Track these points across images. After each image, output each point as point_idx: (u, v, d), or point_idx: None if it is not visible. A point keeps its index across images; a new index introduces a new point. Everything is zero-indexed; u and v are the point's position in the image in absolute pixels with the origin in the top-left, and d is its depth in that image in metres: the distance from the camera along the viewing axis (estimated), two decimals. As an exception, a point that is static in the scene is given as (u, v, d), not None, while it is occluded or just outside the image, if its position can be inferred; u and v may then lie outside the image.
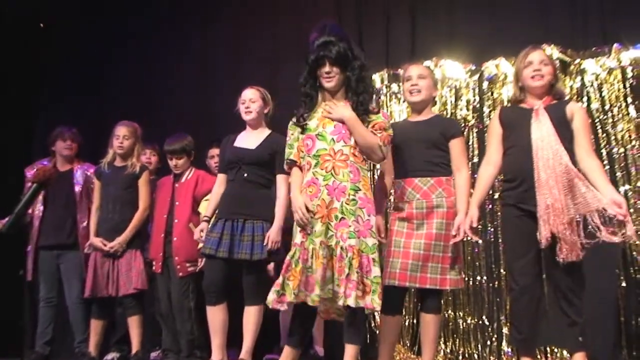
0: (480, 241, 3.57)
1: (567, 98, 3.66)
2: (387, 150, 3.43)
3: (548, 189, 3.25)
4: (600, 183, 3.26)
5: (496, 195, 4.79)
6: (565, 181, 3.24)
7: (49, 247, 4.98)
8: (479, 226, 4.92)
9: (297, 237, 3.25)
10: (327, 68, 3.32)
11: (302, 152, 3.37)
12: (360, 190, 3.26)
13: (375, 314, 5.04)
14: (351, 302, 3.10)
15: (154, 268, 4.80)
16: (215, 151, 4.94)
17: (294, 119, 3.44)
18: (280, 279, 3.22)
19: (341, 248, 3.17)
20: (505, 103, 4.90)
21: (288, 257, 3.26)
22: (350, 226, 3.19)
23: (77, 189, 5.04)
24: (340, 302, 3.13)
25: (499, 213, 4.80)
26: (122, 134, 4.77)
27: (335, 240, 3.19)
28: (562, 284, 3.33)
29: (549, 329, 3.44)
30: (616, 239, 3.18)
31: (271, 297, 3.24)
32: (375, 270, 3.20)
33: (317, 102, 3.41)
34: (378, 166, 5.18)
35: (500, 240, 4.83)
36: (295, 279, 3.16)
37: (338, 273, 3.14)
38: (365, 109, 3.32)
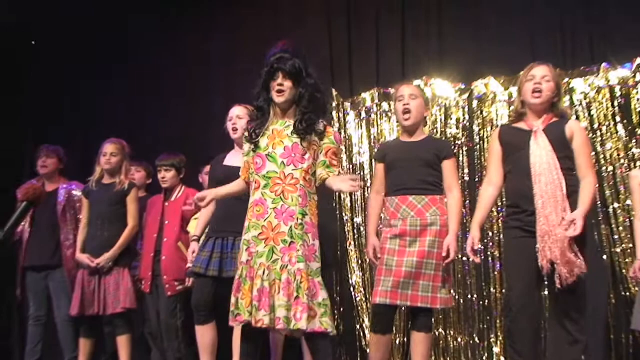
0: (478, 261, 3.54)
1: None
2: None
3: (545, 216, 3.23)
4: (579, 205, 3.25)
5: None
6: (563, 207, 3.22)
7: (35, 269, 4.95)
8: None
9: (244, 255, 3.19)
10: (279, 80, 3.24)
11: (252, 169, 3.29)
12: (307, 215, 3.19)
13: (366, 331, 5.07)
14: (303, 325, 3.04)
15: (142, 287, 4.78)
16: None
17: (246, 134, 3.36)
18: (233, 299, 3.16)
19: (289, 273, 3.10)
20: (503, 120, 4.93)
21: (237, 277, 3.19)
22: (298, 250, 3.12)
23: (60, 208, 5.01)
24: (292, 327, 3.06)
25: (490, 233, 4.86)
26: (109, 151, 4.76)
27: (281, 264, 3.11)
28: (567, 302, 3.28)
29: (549, 348, 3.40)
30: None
31: (230, 317, 3.19)
32: (323, 294, 3.14)
33: (269, 117, 3.32)
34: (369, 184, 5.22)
35: (490, 259, 4.86)
36: (247, 297, 3.10)
37: (288, 297, 3.07)
38: (306, 128, 3.21)
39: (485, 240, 4.92)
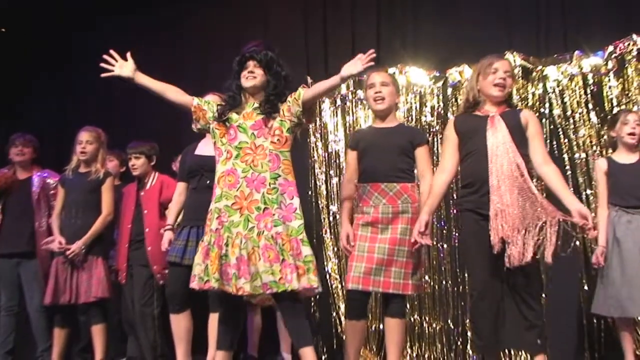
0: (428, 243, 3.57)
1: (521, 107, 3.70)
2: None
3: (499, 195, 3.28)
4: (562, 192, 3.30)
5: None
6: (524, 188, 3.28)
7: (8, 255, 4.91)
8: (443, 230, 4.98)
9: (214, 223, 3.26)
10: (250, 68, 3.34)
11: (225, 138, 3.34)
12: (280, 176, 3.27)
13: (342, 318, 5.09)
14: (295, 285, 3.12)
15: (119, 278, 4.75)
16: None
17: (216, 110, 3.41)
18: (202, 265, 3.23)
19: (266, 238, 3.17)
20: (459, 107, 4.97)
21: (205, 243, 3.26)
22: (274, 214, 3.21)
23: (35, 195, 4.97)
24: (285, 288, 3.13)
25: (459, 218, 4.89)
26: (84, 139, 4.71)
27: (257, 231, 3.19)
28: (521, 288, 3.34)
29: (507, 332, 3.45)
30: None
31: (195, 282, 3.26)
32: (306, 250, 3.23)
33: (239, 102, 3.39)
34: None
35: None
36: (214, 264, 3.18)
37: (271, 262, 3.13)
38: (272, 108, 3.32)
39: (461, 227, 4.94)
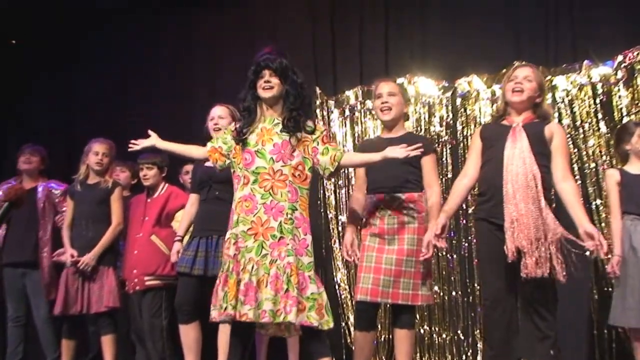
0: (442, 245, 3.55)
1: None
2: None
3: (514, 203, 3.27)
4: (574, 210, 3.26)
5: (470, 210, 4.83)
6: (536, 199, 3.26)
7: (13, 265, 4.95)
8: (453, 240, 4.97)
9: (231, 249, 3.22)
10: (266, 77, 3.29)
11: (240, 164, 3.31)
12: (297, 209, 3.24)
13: (351, 329, 5.07)
14: (292, 317, 3.07)
15: (126, 288, 4.75)
16: (190, 167, 4.93)
17: (234, 129, 3.39)
18: (221, 293, 3.19)
19: (278, 267, 3.14)
20: (487, 117, 4.96)
21: (224, 270, 3.22)
22: (288, 244, 3.17)
23: (40, 205, 5.00)
24: (281, 319, 3.10)
25: (474, 228, 4.86)
26: (101, 151, 4.72)
27: (270, 259, 3.16)
28: (535, 298, 3.31)
29: (520, 342, 3.43)
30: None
31: (214, 312, 3.22)
32: (312, 287, 3.17)
33: (256, 116, 3.36)
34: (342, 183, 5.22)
35: (474, 255, 4.88)
36: (232, 291, 3.14)
37: (276, 291, 3.11)
38: (295, 125, 3.28)
39: (470, 237, 4.94)
